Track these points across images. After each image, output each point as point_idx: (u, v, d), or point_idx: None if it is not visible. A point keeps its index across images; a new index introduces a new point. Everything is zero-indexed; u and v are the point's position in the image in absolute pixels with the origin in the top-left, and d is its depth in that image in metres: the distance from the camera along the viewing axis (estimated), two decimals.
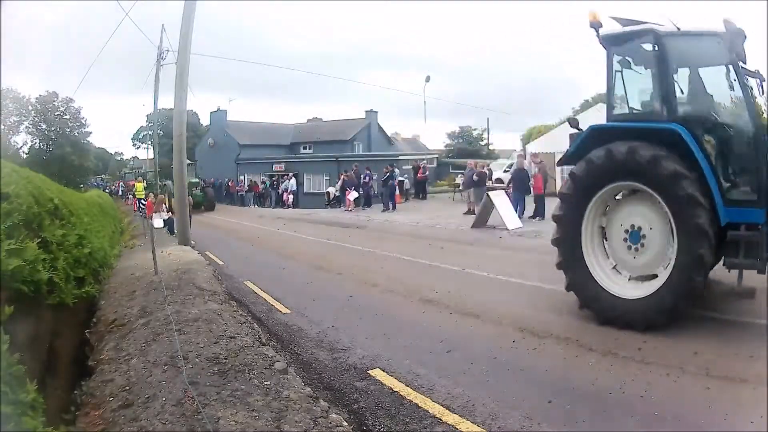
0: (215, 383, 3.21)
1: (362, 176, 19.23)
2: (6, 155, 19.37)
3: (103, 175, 48.62)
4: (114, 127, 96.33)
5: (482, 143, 38.91)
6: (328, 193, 22.91)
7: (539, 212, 12.51)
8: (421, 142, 40.67)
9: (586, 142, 4.85)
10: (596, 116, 20.27)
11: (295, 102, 78.77)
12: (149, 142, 34.01)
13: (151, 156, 30.12)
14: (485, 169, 16.99)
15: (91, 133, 29.92)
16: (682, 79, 4.88)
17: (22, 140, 26.01)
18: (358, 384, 3.68)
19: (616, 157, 4.45)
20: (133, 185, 25.65)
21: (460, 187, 17.70)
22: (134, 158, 51.84)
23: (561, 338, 4.37)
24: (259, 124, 36.47)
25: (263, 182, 28.57)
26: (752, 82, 4.82)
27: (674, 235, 4.25)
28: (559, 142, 18.18)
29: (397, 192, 18.96)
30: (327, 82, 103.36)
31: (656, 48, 4.66)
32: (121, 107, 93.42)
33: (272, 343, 4.61)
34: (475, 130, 39.08)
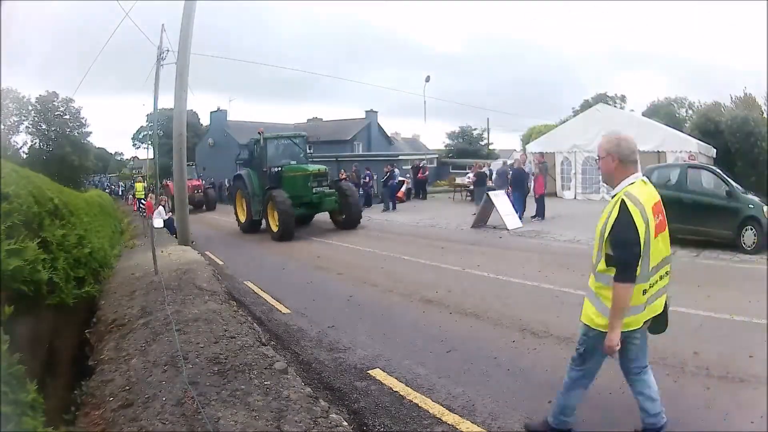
0: (215, 383, 3.21)
1: (362, 176, 19.22)
2: (6, 155, 19.36)
3: (103, 175, 48.51)
4: (114, 127, 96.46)
5: (482, 143, 38.92)
6: None
7: (539, 212, 12.53)
8: (421, 142, 40.66)
9: None
10: (596, 116, 20.25)
11: (295, 102, 78.90)
12: (149, 142, 34.00)
13: (151, 156, 30.08)
14: (484, 169, 16.96)
15: (91, 133, 30.02)
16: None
17: (22, 140, 26.05)
18: (358, 384, 3.68)
19: None
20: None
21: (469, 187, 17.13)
22: (134, 158, 51.89)
23: (561, 338, 4.37)
24: (259, 124, 36.43)
25: None
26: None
27: None
28: (559, 142, 18.30)
29: (403, 189, 18.88)
30: (327, 81, 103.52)
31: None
32: (121, 107, 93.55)
33: (272, 343, 4.61)
34: (475, 130, 39.11)
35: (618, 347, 2.40)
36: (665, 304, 2.65)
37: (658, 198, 2.54)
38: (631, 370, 2.68)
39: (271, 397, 3.04)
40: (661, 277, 2.54)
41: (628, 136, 2.54)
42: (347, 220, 13.47)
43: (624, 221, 2.32)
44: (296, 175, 12.98)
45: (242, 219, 14.49)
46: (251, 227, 13.97)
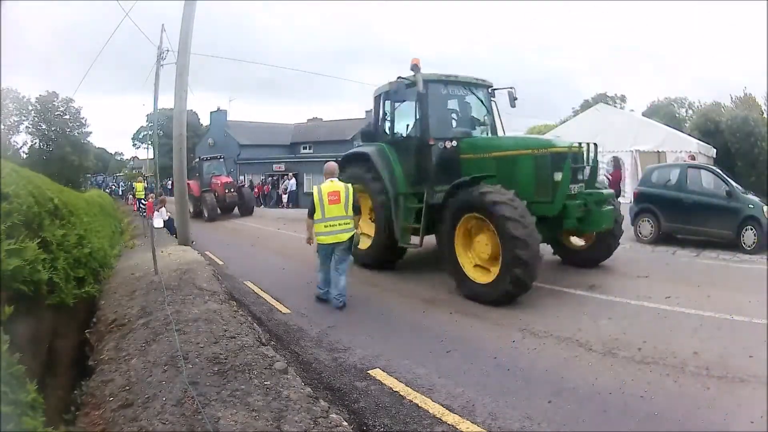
0: (215, 383, 3.21)
1: None
2: (6, 155, 19.35)
3: (106, 175, 48.44)
4: (114, 127, 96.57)
5: None
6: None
7: None
8: None
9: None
10: (596, 116, 20.16)
11: (295, 102, 79.00)
12: (149, 142, 34.08)
13: (151, 156, 30.10)
14: None
15: (91, 133, 29.95)
16: None
17: (22, 140, 26.01)
18: (358, 384, 3.68)
19: None
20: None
21: None
22: (134, 158, 51.96)
23: (561, 338, 4.37)
24: (259, 124, 36.50)
25: (266, 182, 28.57)
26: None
27: None
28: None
29: None
30: (327, 81, 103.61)
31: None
32: (121, 107, 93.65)
33: (272, 343, 4.61)
34: None
35: (310, 243, 5.82)
36: (351, 240, 5.62)
37: (337, 189, 5.54)
38: (333, 270, 5.67)
39: (271, 397, 3.04)
40: (340, 224, 5.49)
41: (330, 164, 5.78)
42: (598, 250, 6.90)
43: (312, 195, 5.61)
44: (521, 156, 6.21)
45: (365, 242, 7.38)
46: (388, 256, 7.23)
